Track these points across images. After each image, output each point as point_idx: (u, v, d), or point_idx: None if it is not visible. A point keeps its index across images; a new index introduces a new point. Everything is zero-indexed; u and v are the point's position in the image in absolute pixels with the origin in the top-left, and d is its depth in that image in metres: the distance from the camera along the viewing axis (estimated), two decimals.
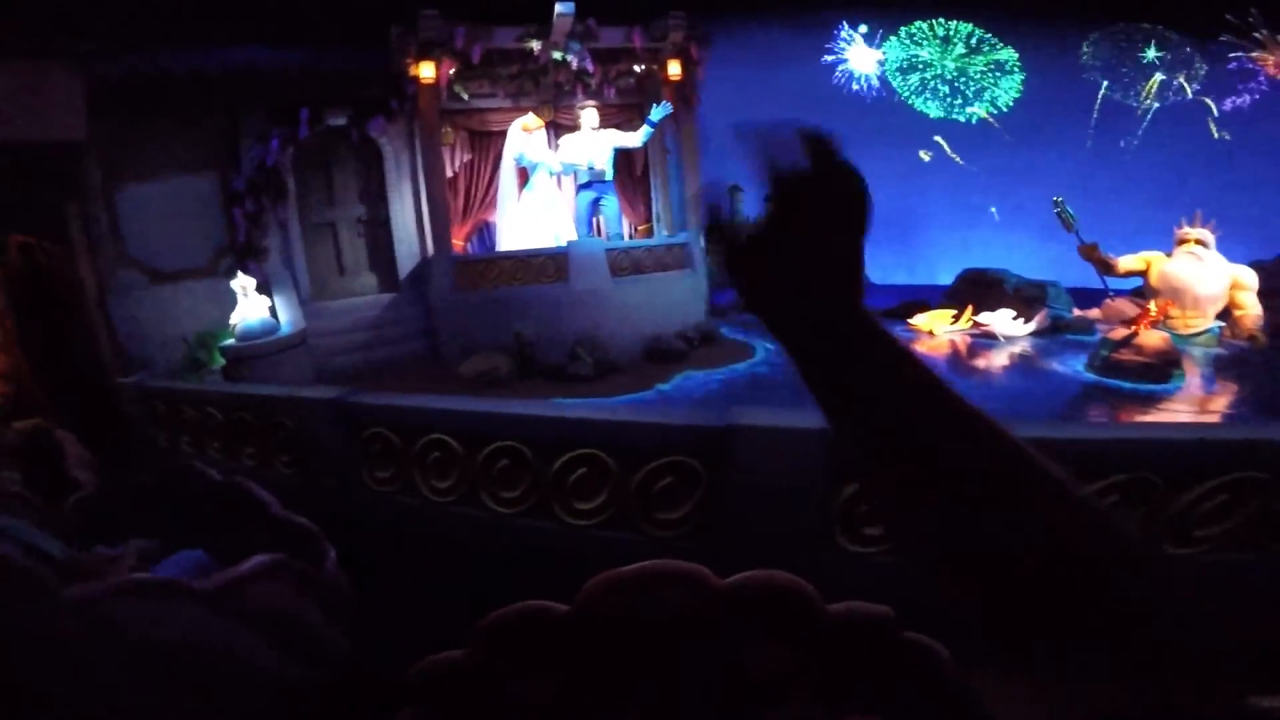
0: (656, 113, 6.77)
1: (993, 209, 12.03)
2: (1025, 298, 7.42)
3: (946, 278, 8.56)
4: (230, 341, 6.43)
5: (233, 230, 7.09)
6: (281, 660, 0.86)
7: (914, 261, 10.63)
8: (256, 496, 1.11)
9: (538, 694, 0.99)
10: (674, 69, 7.08)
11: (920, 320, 7.43)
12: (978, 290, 7.65)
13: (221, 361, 6.63)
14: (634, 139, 7.03)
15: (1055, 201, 7.34)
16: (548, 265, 6.10)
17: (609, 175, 7.13)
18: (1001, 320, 7.00)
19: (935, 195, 11.41)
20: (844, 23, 11.82)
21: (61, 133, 6.40)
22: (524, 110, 8.27)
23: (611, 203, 7.19)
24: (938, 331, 7.27)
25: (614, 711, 0.98)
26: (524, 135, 7.00)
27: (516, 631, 0.98)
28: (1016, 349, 6.66)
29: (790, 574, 0.95)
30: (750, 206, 8.64)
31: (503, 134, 8.30)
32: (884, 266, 10.07)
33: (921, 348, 6.97)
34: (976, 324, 7.14)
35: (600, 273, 6.14)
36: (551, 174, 7.13)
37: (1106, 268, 6.99)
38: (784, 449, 2.27)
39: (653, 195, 8.40)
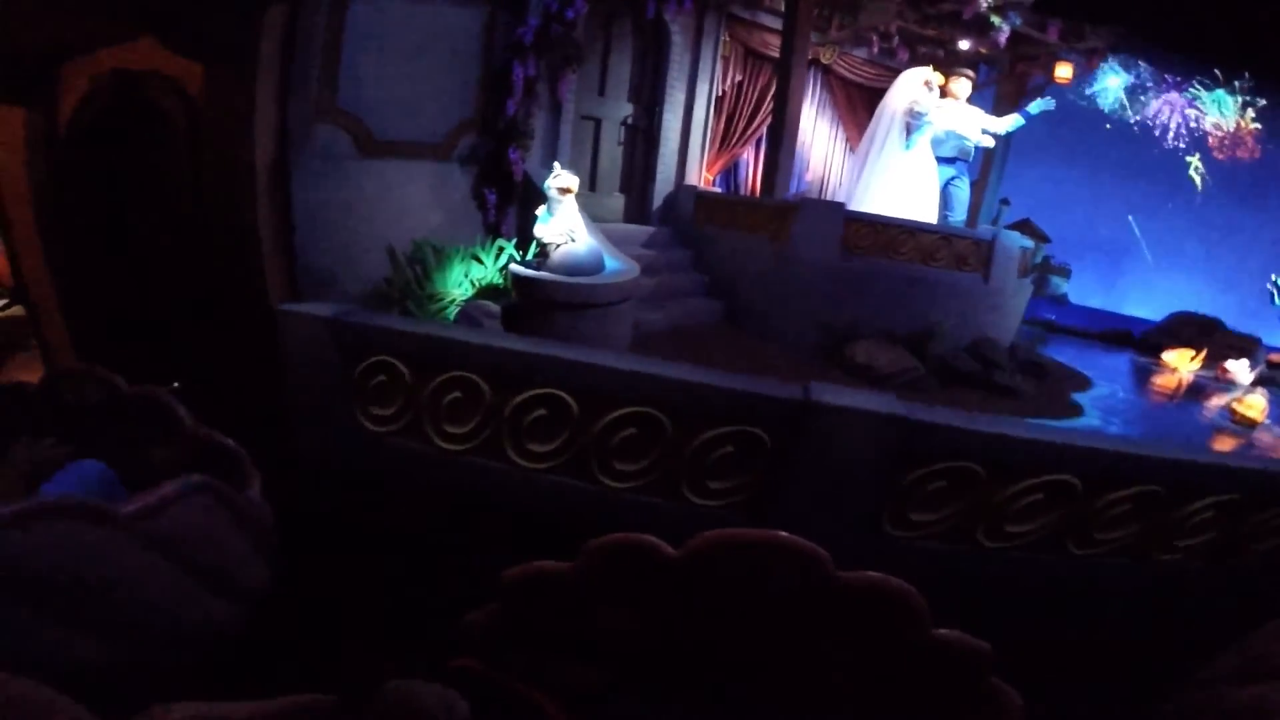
0: (1036, 106, 5.97)
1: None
2: (1236, 347, 7.80)
3: (1136, 309, 8.76)
4: (529, 270, 4.46)
5: (495, 95, 4.94)
6: (202, 592, 0.86)
7: (1108, 288, 10.79)
8: (172, 410, 1.18)
9: (620, 622, 1.00)
10: (1064, 71, 6.38)
11: (1170, 357, 7.56)
12: (1194, 333, 7.89)
13: (455, 293, 4.61)
14: (1000, 124, 6.12)
15: (1274, 280, 7.74)
16: (970, 251, 4.97)
17: (971, 156, 6.16)
18: (1240, 368, 7.30)
19: (1153, 229, 11.54)
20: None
21: None
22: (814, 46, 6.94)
23: (964, 187, 6.21)
24: (1182, 370, 7.47)
25: (688, 661, 0.98)
26: (923, 90, 5.70)
27: (623, 559, 0.98)
28: (1239, 394, 6.96)
29: (907, 584, 0.93)
30: (1011, 217, 7.98)
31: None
32: (1083, 287, 10.02)
33: (1161, 382, 7.14)
34: (1223, 369, 7.39)
35: (1012, 271, 5.17)
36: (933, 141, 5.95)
37: None
38: None
39: None
